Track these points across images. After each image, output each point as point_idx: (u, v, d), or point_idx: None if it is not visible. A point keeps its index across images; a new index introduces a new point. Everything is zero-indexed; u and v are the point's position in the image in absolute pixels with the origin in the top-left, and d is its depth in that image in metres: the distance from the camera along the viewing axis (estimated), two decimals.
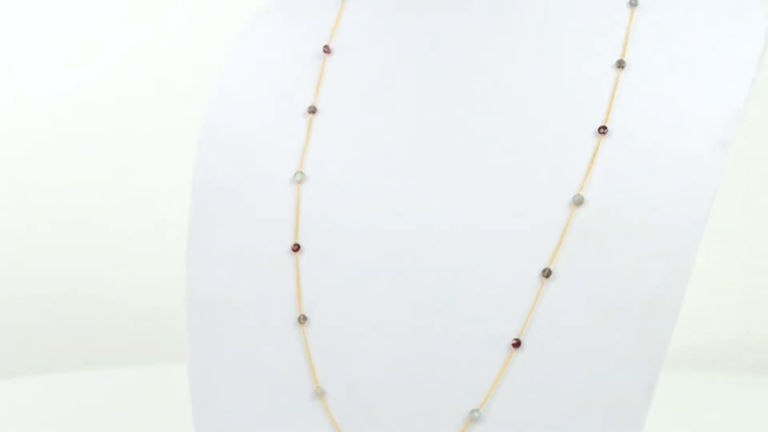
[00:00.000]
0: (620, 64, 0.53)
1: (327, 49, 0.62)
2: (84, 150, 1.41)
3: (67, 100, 1.41)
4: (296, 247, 0.58)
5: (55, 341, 1.36)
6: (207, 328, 0.59)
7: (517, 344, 0.51)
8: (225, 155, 0.62)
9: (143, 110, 1.43)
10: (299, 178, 0.59)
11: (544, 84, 0.55)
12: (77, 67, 1.40)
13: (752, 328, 1.33)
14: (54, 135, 1.41)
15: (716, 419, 1.03)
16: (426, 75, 0.59)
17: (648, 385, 0.48)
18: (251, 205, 0.60)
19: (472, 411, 0.51)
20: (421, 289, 0.54)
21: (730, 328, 1.34)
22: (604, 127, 0.52)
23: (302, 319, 0.56)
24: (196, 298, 0.60)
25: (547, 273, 0.51)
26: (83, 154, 1.41)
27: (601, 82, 0.54)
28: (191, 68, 1.38)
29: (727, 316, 1.35)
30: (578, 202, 0.51)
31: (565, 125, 0.53)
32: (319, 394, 0.55)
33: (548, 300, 0.51)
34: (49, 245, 1.40)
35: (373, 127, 0.59)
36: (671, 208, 0.49)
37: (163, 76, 1.42)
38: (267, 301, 0.58)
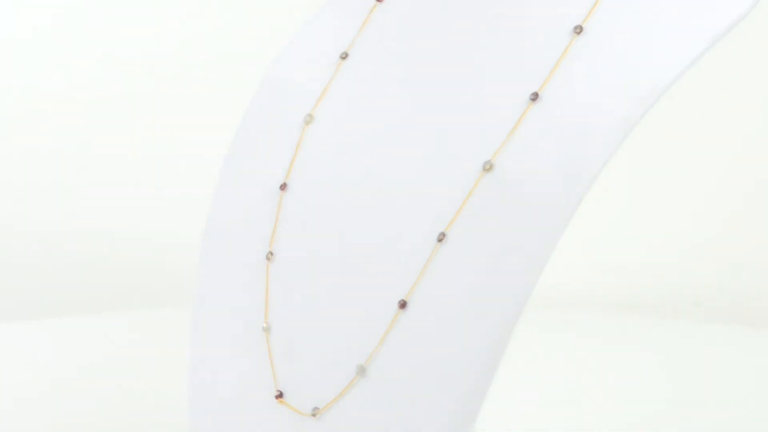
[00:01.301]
0: (578, 30, 0.50)
1: None
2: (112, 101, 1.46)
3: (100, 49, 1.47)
4: (283, 186, 0.60)
5: (61, 284, 1.41)
6: (212, 252, 0.63)
7: (402, 305, 0.49)
8: (271, 97, 0.65)
9: (172, 75, 1.47)
10: (307, 119, 0.61)
11: (504, 46, 0.52)
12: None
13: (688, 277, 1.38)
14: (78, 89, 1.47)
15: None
16: (441, 30, 0.58)
17: (495, 349, 0.45)
18: (269, 141, 0.63)
19: (357, 365, 0.51)
20: (352, 239, 0.54)
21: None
22: (536, 94, 0.49)
23: (269, 256, 0.58)
24: (211, 223, 0.64)
25: (440, 237, 0.49)
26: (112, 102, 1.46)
27: (557, 48, 0.50)
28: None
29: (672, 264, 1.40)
30: (487, 168, 0.49)
31: (508, 90, 0.50)
32: (266, 329, 0.57)
33: (440, 263, 0.49)
34: (64, 190, 1.46)
35: (389, 75, 0.59)
36: (556, 179, 0.46)
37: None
38: (251, 234, 0.60)
